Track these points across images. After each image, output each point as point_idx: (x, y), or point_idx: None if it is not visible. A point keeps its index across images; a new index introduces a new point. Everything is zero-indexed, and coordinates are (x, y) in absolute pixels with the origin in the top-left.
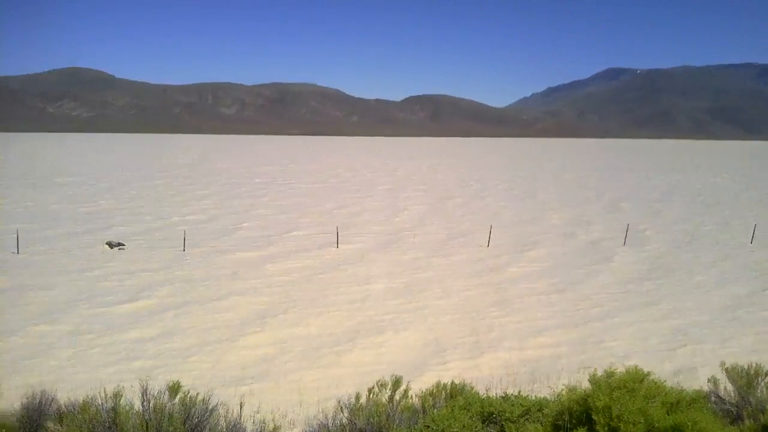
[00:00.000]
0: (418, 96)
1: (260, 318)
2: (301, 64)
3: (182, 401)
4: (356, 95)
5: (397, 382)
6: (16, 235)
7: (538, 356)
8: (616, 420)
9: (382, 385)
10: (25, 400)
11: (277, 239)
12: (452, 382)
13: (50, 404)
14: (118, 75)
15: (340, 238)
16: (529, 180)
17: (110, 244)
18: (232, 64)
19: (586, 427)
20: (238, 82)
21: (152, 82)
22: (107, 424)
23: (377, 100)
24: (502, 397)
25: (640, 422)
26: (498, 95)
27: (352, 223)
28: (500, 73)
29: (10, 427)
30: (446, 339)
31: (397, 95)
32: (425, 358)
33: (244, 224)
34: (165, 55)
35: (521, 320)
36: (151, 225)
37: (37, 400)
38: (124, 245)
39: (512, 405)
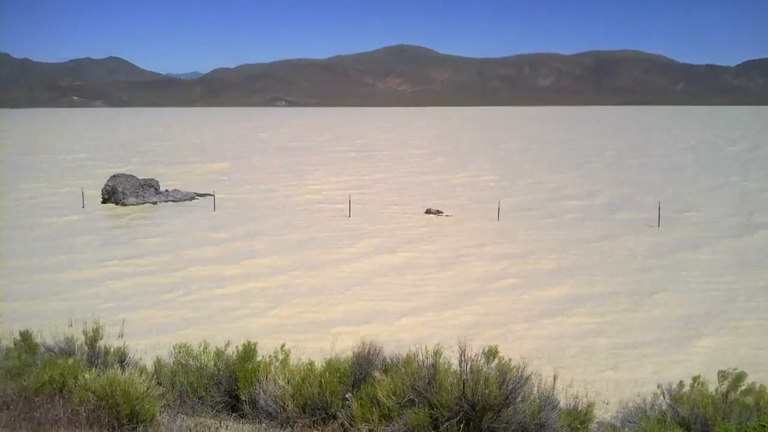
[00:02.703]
0: (759, 60)
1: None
2: (623, 30)
3: (498, 366)
4: (683, 61)
5: (739, 377)
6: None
7: None
8: None
9: (723, 376)
10: (356, 350)
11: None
12: None
13: (377, 355)
14: (441, 51)
15: None
16: None
17: (429, 211)
18: (550, 33)
19: None
20: (556, 52)
21: (472, 56)
22: (427, 380)
23: (708, 66)
24: None
25: None
26: None
27: None
28: None
29: (343, 372)
30: None
31: (732, 59)
32: None
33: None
34: (483, 29)
35: None
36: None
37: (366, 351)
38: (442, 212)
39: None
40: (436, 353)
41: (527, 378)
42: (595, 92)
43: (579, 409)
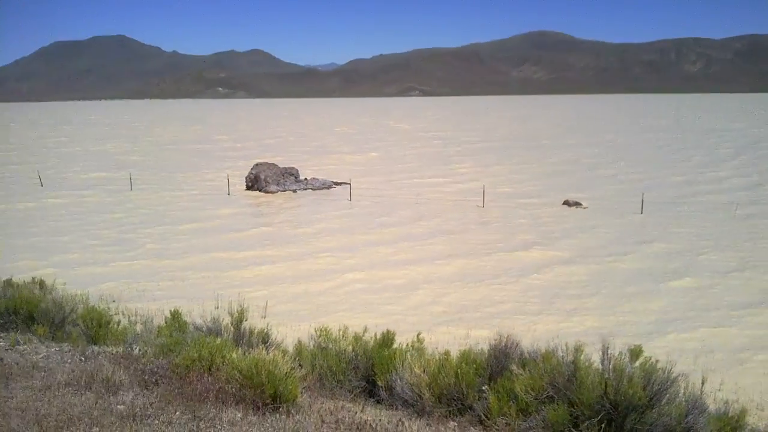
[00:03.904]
0: None
1: None
2: None
3: (642, 366)
4: None
5: None
6: (482, 191)
7: None
8: None
9: None
10: (492, 342)
11: None
12: None
13: (515, 349)
14: (579, 36)
15: None
16: None
17: (567, 203)
18: (698, 16)
19: None
20: (704, 36)
21: (612, 41)
22: (566, 376)
23: None
24: None
25: None
26: None
27: None
28: None
29: (480, 364)
30: None
31: None
32: None
33: None
34: (625, 13)
35: None
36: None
37: (503, 344)
38: (581, 204)
39: None
40: (577, 350)
41: (674, 379)
42: (749, 78)
43: (730, 414)
